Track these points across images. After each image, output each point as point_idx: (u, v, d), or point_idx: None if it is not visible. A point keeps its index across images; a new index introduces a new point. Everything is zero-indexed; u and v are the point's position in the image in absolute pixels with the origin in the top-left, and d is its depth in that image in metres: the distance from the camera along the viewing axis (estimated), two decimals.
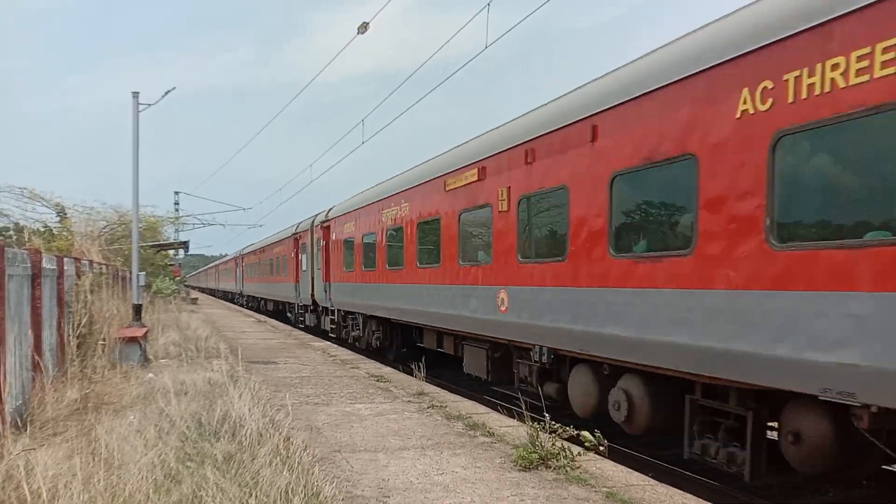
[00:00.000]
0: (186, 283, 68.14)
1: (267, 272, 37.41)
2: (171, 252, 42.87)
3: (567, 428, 7.33)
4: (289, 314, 32.45)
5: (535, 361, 9.74)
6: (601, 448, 6.99)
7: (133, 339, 13.49)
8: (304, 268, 26.62)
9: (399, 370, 14.50)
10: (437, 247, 13.21)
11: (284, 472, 5.50)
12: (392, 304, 16.08)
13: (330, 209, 23.01)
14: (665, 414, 7.72)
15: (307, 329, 26.86)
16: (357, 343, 20.39)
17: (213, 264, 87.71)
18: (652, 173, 7.34)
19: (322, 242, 23.37)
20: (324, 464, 6.70)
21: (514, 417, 9.09)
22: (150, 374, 11.46)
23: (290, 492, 5.18)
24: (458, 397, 11.14)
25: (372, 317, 18.59)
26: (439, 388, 12.04)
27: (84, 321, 12.11)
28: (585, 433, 7.13)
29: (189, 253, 54.86)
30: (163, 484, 5.27)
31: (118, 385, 10.52)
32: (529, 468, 6.73)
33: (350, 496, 5.86)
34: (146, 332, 14.82)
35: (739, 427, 6.71)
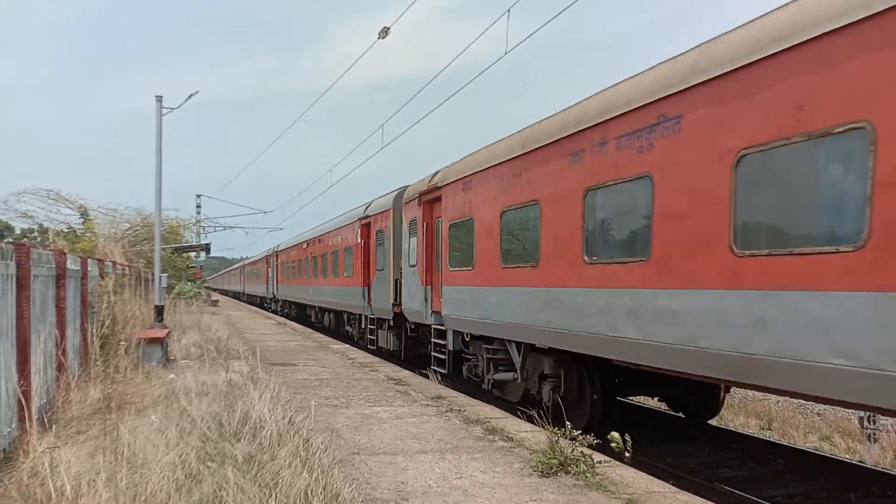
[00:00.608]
0: (207, 286, 68.72)
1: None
2: (193, 254, 43.28)
3: (588, 436, 7.28)
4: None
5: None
6: (626, 454, 6.91)
7: (155, 340, 13.63)
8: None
9: (417, 374, 14.51)
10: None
11: (304, 474, 5.51)
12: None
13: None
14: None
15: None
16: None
17: (237, 265, 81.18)
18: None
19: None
20: (343, 466, 6.71)
21: (532, 422, 9.06)
22: (172, 375, 11.56)
23: (309, 493, 5.19)
24: (475, 401, 11.12)
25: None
26: (457, 393, 12.03)
27: (107, 322, 12.25)
28: (614, 434, 6.98)
29: (210, 255, 55.40)
30: (184, 483, 5.30)
31: (140, 385, 10.62)
32: (549, 474, 6.69)
33: (369, 499, 5.87)
34: (168, 333, 14.95)
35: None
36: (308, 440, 6.90)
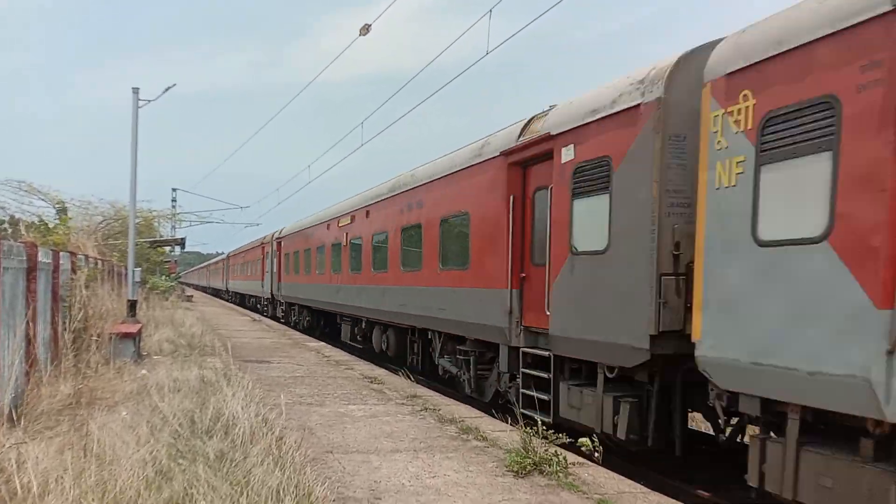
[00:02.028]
0: (181, 281, 67.94)
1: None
2: (167, 248, 42.81)
3: (560, 435, 7.33)
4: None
5: None
6: (596, 455, 6.98)
7: (127, 335, 13.46)
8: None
9: (393, 373, 14.49)
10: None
11: (276, 472, 5.49)
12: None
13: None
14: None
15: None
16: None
17: (217, 258, 74.17)
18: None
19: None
20: (316, 464, 6.69)
21: (507, 422, 9.09)
22: (144, 371, 11.44)
23: (281, 491, 5.16)
24: (451, 401, 11.13)
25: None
26: (433, 392, 12.04)
27: (79, 316, 12.07)
28: (583, 439, 7.09)
29: (185, 250, 54.79)
30: (154, 481, 5.24)
31: (111, 381, 10.49)
32: (522, 473, 6.72)
33: (341, 497, 5.85)
34: (140, 329, 14.78)
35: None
36: (281, 438, 6.87)
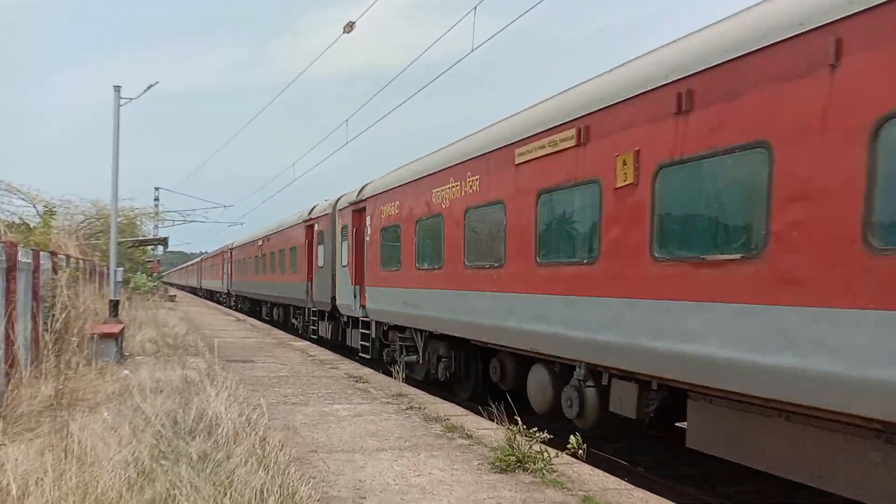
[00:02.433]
0: (165, 281, 67.53)
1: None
2: (150, 248, 42.48)
3: (543, 432, 7.33)
4: (294, 321, 27.14)
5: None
6: (580, 452, 6.99)
7: (109, 336, 13.33)
8: (319, 263, 22.05)
9: (378, 371, 14.46)
10: None
11: (260, 472, 5.45)
12: None
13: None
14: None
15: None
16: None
17: (194, 261, 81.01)
18: None
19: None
20: (300, 464, 6.66)
21: (492, 420, 9.09)
22: (126, 371, 11.33)
23: (265, 492, 5.13)
24: (437, 399, 11.12)
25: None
26: (418, 390, 12.01)
27: (60, 317, 11.95)
28: (571, 437, 7.10)
29: (168, 250, 54.38)
30: (136, 482, 5.20)
31: (93, 381, 10.39)
32: (507, 471, 6.73)
33: (326, 497, 5.83)
34: (123, 329, 14.65)
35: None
36: (265, 438, 6.83)
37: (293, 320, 26.31)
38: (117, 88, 16.96)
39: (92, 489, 4.95)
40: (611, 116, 7.64)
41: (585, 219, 8.15)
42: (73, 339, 11.96)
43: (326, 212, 20.50)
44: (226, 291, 47.82)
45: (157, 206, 47.41)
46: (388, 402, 10.54)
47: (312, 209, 22.77)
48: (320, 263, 20.94)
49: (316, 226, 21.85)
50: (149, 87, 17.74)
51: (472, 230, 10.99)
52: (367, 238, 16.39)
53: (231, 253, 44.23)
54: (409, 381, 13.11)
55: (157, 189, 49.50)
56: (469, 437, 8.32)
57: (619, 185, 7.41)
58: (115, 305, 16.50)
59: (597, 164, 7.81)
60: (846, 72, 5.12)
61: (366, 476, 6.52)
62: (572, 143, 8.20)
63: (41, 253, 11.94)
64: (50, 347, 10.88)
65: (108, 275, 17.69)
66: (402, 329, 14.55)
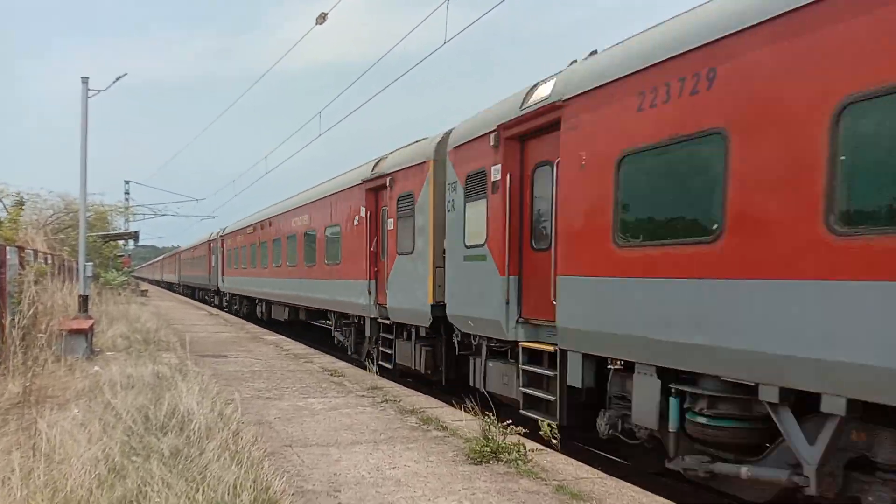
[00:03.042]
0: (137, 276, 66.57)
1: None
2: (121, 242, 41.90)
3: (518, 426, 7.35)
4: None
5: None
6: (554, 441, 7.05)
7: (79, 331, 13.13)
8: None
9: (353, 364, 14.42)
10: None
11: (233, 467, 5.41)
12: None
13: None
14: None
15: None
16: None
17: (169, 253, 75.44)
18: None
19: None
20: (274, 458, 6.63)
21: (468, 412, 9.11)
22: (96, 367, 11.17)
23: (238, 486, 5.09)
24: (412, 391, 11.13)
25: None
26: (393, 383, 12.01)
27: (28, 312, 11.74)
28: (543, 424, 7.16)
29: (139, 244, 53.70)
30: (106, 479, 5.13)
31: (62, 378, 10.22)
32: (481, 462, 6.76)
33: (300, 491, 5.81)
34: (92, 324, 14.44)
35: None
36: (238, 433, 6.79)
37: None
38: (85, 80, 16.64)
39: (61, 487, 4.88)
40: None
41: None
42: (42, 335, 11.76)
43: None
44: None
45: (127, 199, 46.79)
46: (364, 396, 10.53)
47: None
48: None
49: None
50: (117, 79, 17.43)
51: None
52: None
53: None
54: (383, 373, 13.07)
55: (127, 182, 48.80)
56: (444, 428, 8.34)
57: None
58: (84, 301, 16.22)
59: None
60: None
61: (340, 469, 6.51)
62: None
63: (7, 248, 11.72)
64: (17, 344, 10.69)
65: (78, 270, 17.41)
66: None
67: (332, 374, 12.68)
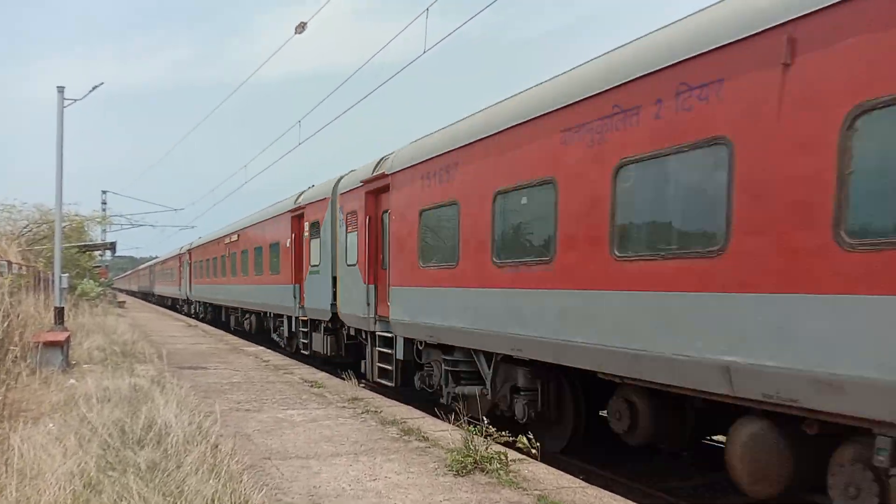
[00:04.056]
0: (114, 287, 65.79)
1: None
2: (98, 253, 41.42)
3: (502, 433, 7.36)
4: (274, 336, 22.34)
5: None
6: (533, 451, 7.05)
7: (54, 344, 12.93)
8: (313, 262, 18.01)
9: (333, 376, 14.33)
10: None
11: (211, 481, 5.34)
12: None
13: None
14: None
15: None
16: None
17: (145, 265, 77.19)
18: None
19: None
20: (253, 471, 6.55)
21: (449, 422, 9.08)
22: (72, 380, 11.00)
23: (216, 500, 5.03)
24: (393, 402, 11.07)
25: None
26: (374, 394, 11.94)
27: (1, 325, 11.55)
28: (521, 437, 7.18)
29: (117, 255, 53.12)
30: (81, 494, 5.04)
31: (37, 392, 10.06)
32: (463, 473, 6.73)
33: None
34: (68, 337, 14.23)
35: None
36: (217, 446, 6.70)
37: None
38: (61, 89, 16.46)
39: (35, 503, 4.79)
40: None
41: None
42: (16, 347, 11.57)
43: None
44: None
45: (104, 209, 46.30)
46: (344, 407, 10.46)
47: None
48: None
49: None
50: (94, 88, 17.27)
51: None
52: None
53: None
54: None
55: (104, 192, 48.32)
56: (426, 439, 8.30)
57: None
58: (60, 313, 15.98)
59: None
60: None
61: (320, 482, 6.45)
62: None
63: None
64: None
65: (53, 281, 17.16)
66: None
67: (312, 386, 12.59)
